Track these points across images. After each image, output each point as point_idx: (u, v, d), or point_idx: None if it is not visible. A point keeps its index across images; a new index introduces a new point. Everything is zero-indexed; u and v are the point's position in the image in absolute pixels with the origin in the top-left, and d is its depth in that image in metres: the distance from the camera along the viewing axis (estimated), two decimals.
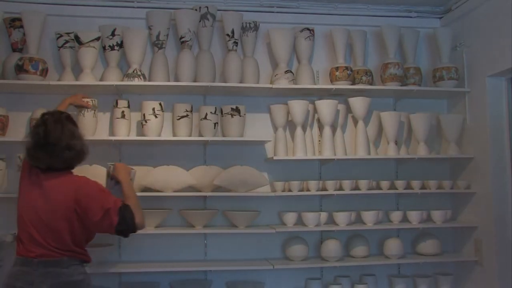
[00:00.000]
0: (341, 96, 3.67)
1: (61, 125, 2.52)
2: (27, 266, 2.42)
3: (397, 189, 3.60)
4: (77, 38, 3.38)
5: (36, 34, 3.35)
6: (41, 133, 2.49)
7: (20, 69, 3.27)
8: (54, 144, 2.48)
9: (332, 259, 3.49)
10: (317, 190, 3.53)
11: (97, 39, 3.40)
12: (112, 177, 2.86)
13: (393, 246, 3.55)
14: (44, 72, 3.34)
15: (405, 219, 3.59)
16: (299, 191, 3.51)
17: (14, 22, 3.43)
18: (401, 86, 3.64)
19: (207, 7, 3.56)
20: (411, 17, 3.91)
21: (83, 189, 2.50)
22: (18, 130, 3.46)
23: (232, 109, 3.45)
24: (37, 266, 2.41)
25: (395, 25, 3.70)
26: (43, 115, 2.59)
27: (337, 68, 3.60)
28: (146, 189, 3.39)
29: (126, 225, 2.50)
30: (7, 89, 3.43)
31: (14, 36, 3.45)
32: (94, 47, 3.39)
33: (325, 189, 3.54)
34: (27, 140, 2.55)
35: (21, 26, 3.40)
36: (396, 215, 3.59)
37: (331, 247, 3.50)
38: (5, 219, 3.20)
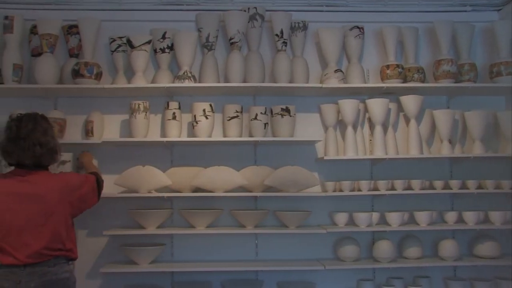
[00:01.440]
0: (392, 94, 3.60)
1: (34, 122, 2.59)
2: (15, 268, 2.44)
3: (451, 189, 3.49)
4: (129, 42, 3.47)
5: (91, 39, 3.46)
6: (14, 127, 2.55)
7: (76, 73, 3.39)
8: (25, 139, 2.52)
9: (385, 260, 3.43)
10: (369, 190, 3.48)
11: (148, 42, 3.47)
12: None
13: (448, 247, 3.45)
14: (99, 76, 3.45)
15: (460, 220, 3.48)
16: (350, 191, 3.47)
17: (71, 29, 3.55)
18: (455, 83, 3.53)
19: (256, 8, 3.57)
20: (466, 11, 3.77)
21: (71, 181, 2.67)
22: (75, 133, 3.59)
23: (282, 109, 3.45)
24: (25, 267, 2.45)
25: (448, 20, 3.59)
26: (19, 114, 2.66)
27: (388, 66, 3.53)
28: (197, 189, 3.44)
29: (100, 188, 2.86)
30: (64, 93, 3.56)
31: (71, 42, 3.58)
32: (145, 50, 3.46)
33: (377, 189, 3.49)
34: (1, 137, 2.60)
35: (78, 33, 3.52)
36: (451, 216, 3.49)
37: (384, 247, 3.44)
38: None
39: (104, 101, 3.61)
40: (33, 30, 3.55)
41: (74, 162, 3.42)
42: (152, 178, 3.36)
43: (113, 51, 3.57)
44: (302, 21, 3.61)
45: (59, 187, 2.59)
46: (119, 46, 3.55)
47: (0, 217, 2.50)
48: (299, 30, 3.61)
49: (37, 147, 2.55)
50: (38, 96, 3.56)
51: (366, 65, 3.70)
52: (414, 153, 3.48)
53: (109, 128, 3.59)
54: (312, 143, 3.63)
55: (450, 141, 3.54)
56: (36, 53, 3.54)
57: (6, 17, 3.39)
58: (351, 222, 3.48)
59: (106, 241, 3.56)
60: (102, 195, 3.39)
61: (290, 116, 3.47)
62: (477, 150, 3.50)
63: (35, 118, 2.62)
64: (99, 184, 2.84)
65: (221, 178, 3.37)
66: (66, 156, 3.34)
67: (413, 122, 3.52)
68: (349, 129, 3.51)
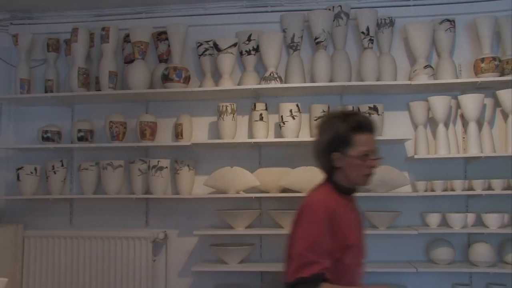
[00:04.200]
0: (487, 89, 3.41)
1: (328, 125, 2.08)
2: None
3: None
4: (215, 46, 3.54)
5: (179, 44, 3.57)
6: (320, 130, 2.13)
7: (165, 78, 3.51)
8: (319, 143, 2.09)
9: (483, 264, 3.25)
10: (463, 190, 3.32)
11: (234, 45, 3.52)
12: None
13: None
14: (187, 80, 3.55)
15: None
16: (442, 191, 3.34)
17: (160, 36, 3.69)
18: None
19: (341, 6, 3.52)
20: None
21: (301, 210, 2.03)
22: (166, 135, 3.72)
23: (369, 107, 3.38)
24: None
25: None
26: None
27: (482, 60, 3.36)
28: (285, 190, 3.45)
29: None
30: (155, 98, 3.69)
31: (161, 48, 3.71)
32: (231, 53, 3.52)
33: (472, 189, 3.33)
34: None
35: (166, 39, 3.65)
36: None
37: (481, 251, 3.26)
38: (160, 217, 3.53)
39: (193, 104, 3.71)
40: (126, 39, 3.73)
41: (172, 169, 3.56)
42: (240, 179, 3.41)
43: (200, 55, 3.66)
44: (389, 17, 3.52)
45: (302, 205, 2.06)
46: (206, 49, 3.63)
47: None
48: (385, 26, 3.52)
49: (324, 153, 2.09)
50: (131, 101, 3.73)
51: (457, 60, 3.54)
52: None
53: (197, 130, 3.69)
54: (401, 141, 3.53)
55: None
56: (129, 60, 3.71)
57: (102, 28, 3.59)
58: (444, 223, 3.34)
59: (197, 240, 3.66)
60: (193, 196, 3.52)
61: (378, 114, 3.39)
62: None
63: (329, 121, 2.12)
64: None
65: (309, 178, 3.33)
66: (163, 162, 3.50)
67: None
68: (441, 127, 3.38)
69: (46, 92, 3.74)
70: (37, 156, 3.78)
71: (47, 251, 3.65)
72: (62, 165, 3.67)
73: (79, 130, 3.63)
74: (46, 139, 3.65)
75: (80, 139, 3.63)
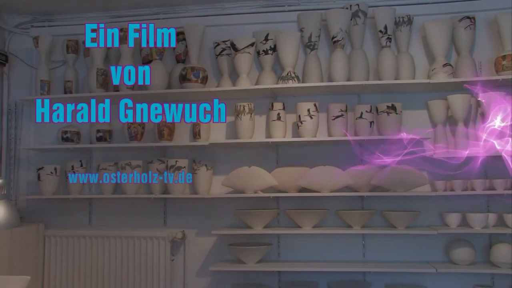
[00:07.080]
0: (508, 87, 3.35)
1: None
2: None
3: None
4: (233, 46, 3.54)
5: (196, 45, 3.59)
6: None
7: (183, 78, 3.52)
8: None
9: (505, 266, 3.20)
10: (484, 189, 3.28)
11: (252, 44, 3.52)
12: None
13: None
14: (205, 80, 3.56)
15: None
16: (462, 190, 3.29)
17: (178, 36, 3.69)
18: None
19: (358, 5, 3.50)
20: None
21: None
22: (184, 135, 3.74)
23: (388, 106, 3.35)
24: None
25: None
26: None
27: (504, 57, 3.30)
28: (303, 189, 3.44)
29: None
30: (172, 98, 3.70)
31: (178, 48, 3.73)
32: (249, 52, 3.52)
33: (493, 188, 3.28)
34: None
35: (184, 39, 3.66)
36: None
37: (504, 252, 3.21)
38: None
39: (211, 105, 3.71)
40: None
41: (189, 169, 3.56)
42: (258, 179, 3.41)
43: (217, 55, 3.67)
44: (407, 15, 3.49)
45: None
46: (223, 49, 3.64)
47: None
48: (403, 24, 3.49)
49: None
50: (149, 101, 3.75)
51: (478, 57, 3.50)
52: None
53: (215, 130, 3.69)
54: (420, 141, 3.49)
55: None
56: (147, 61, 3.73)
57: (121, 29, 3.61)
58: (464, 223, 3.30)
59: (215, 240, 3.67)
60: (211, 196, 3.53)
61: (397, 113, 3.36)
62: None
63: None
64: None
65: (326, 178, 3.35)
66: (181, 162, 3.51)
67: None
68: (460, 125, 3.34)
69: (65, 93, 3.79)
70: (57, 156, 3.83)
71: (67, 250, 3.70)
72: (82, 165, 3.71)
73: (98, 131, 3.67)
74: (65, 139, 3.70)
75: (99, 139, 3.67)
